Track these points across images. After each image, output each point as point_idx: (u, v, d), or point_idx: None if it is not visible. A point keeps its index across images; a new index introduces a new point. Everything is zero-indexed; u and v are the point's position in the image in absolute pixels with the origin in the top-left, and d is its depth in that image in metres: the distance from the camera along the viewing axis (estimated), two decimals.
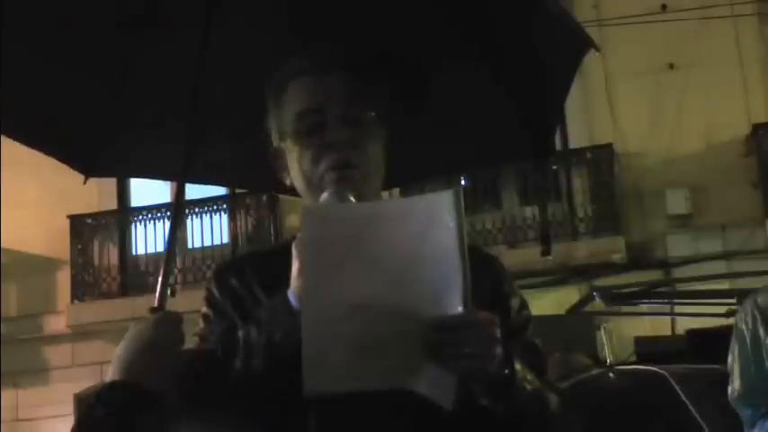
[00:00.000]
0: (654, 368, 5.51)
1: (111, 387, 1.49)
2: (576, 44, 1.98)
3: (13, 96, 2.03)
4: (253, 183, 2.63)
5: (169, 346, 1.55)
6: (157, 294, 1.66)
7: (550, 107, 2.16)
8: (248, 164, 2.16)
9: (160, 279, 1.69)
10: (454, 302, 1.50)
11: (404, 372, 1.52)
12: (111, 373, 1.51)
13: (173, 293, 1.68)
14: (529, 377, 1.63)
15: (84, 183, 2.31)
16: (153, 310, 1.62)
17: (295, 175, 1.76)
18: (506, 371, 1.57)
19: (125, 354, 1.52)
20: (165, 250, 1.79)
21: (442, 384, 1.51)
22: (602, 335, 6.15)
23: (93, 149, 2.23)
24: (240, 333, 1.63)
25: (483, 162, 2.68)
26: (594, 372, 5.65)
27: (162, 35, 2.06)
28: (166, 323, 1.57)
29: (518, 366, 1.60)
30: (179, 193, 1.86)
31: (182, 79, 1.88)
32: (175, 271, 11.05)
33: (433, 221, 1.51)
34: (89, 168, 2.28)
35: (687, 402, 4.95)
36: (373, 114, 1.75)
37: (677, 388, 5.05)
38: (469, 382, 1.55)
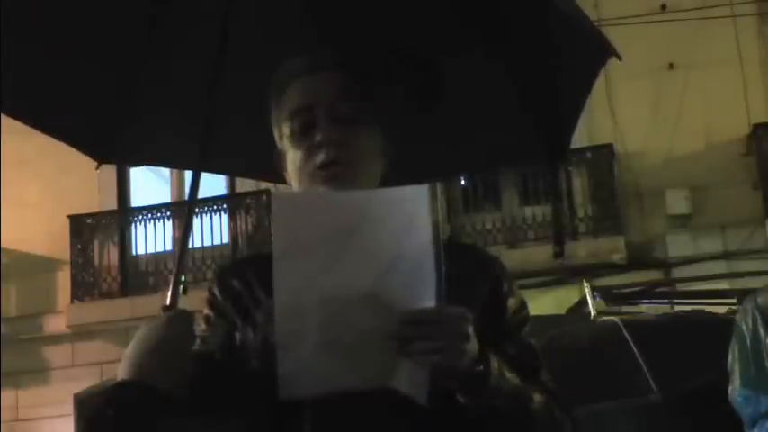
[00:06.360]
0: (611, 317, 5.77)
1: (122, 386, 1.47)
2: (596, 49, 1.97)
3: (27, 82, 2.02)
4: (260, 172, 2.64)
5: (181, 344, 1.53)
6: (170, 292, 1.65)
7: (566, 109, 2.14)
8: (256, 153, 2.16)
9: (173, 277, 1.69)
10: (427, 297, 1.47)
11: (378, 369, 1.49)
12: (120, 372, 1.49)
13: (185, 291, 1.67)
14: (507, 375, 1.60)
15: (97, 168, 2.31)
16: (165, 308, 1.61)
17: (291, 175, 1.77)
18: (480, 367, 1.55)
19: (136, 352, 1.50)
20: (178, 247, 1.79)
21: (416, 380, 1.48)
22: (585, 288, 6.32)
23: (107, 136, 2.23)
24: (238, 335, 1.63)
25: (494, 163, 2.67)
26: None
27: (180, 26, 2.06)
28: (178, 322, 1.55)
29: (495, 364, 1.57)
30: (194, 186, 1.85)
31: (197, 68, 1.89)
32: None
33: (409, 215, 1.47)
34: (102, 155, 2.28)
35: (633, 347, 5.10)
36: (367, 113, 1.74)
37: (626, 334, 5.22)
38: (441, 378, 1.52)
